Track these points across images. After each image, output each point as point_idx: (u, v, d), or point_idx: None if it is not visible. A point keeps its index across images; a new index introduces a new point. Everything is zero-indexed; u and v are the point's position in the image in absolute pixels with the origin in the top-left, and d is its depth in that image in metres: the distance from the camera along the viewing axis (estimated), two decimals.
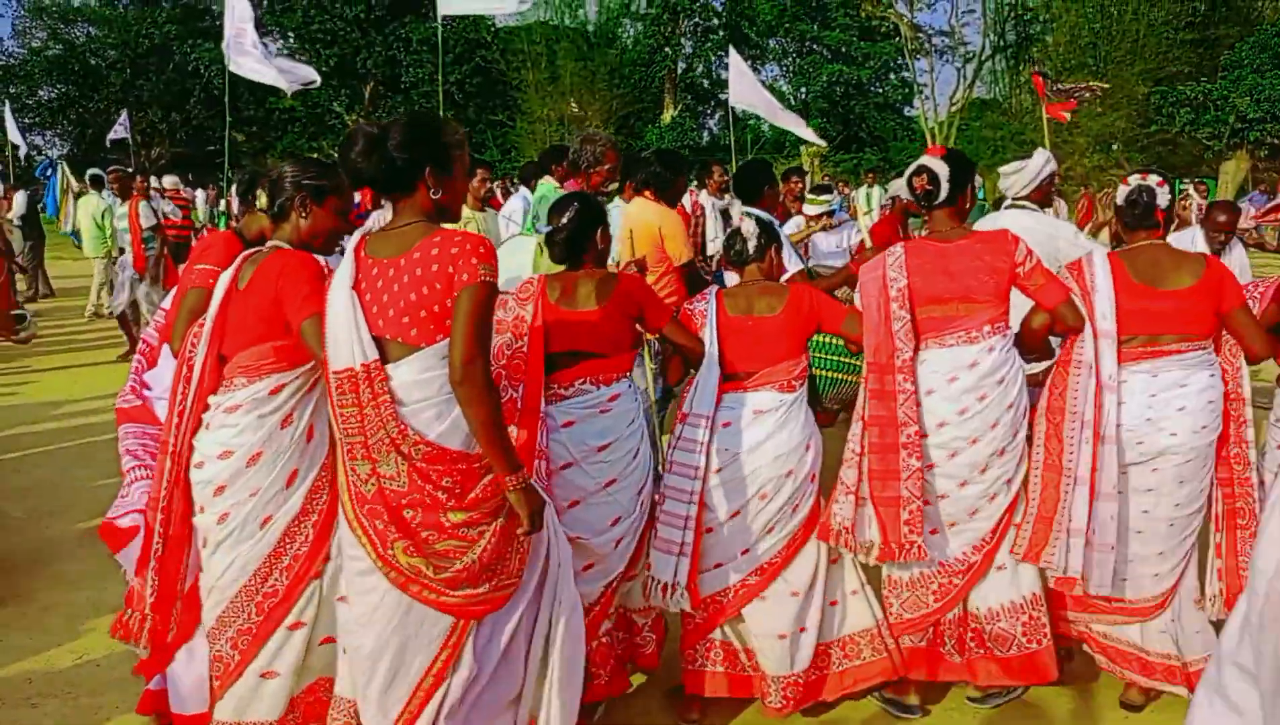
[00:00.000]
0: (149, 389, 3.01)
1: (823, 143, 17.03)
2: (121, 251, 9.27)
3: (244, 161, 30.33)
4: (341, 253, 2.42)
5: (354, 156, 2.24)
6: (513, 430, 2.72)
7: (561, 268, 3.06)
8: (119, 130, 18.22)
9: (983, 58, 28.35)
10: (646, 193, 4.42)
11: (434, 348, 2.19)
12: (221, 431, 2.46)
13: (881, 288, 3.01)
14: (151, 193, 10.92)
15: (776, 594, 3.00)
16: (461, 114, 31.51)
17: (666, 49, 32.75)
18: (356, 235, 2.35)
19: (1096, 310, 2.96)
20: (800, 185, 8.05)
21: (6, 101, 23.33)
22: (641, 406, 3.05)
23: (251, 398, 2.45)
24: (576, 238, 2.99)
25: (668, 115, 33.04)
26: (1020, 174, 4.20)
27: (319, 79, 11.25)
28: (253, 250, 2.65)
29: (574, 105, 28.46)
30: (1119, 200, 3.12)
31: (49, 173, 13.28)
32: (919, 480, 2.94)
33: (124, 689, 3.27)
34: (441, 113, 15.74)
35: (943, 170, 3.02)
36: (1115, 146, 23.90)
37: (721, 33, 32.97)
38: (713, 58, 34.36)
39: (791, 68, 34.64)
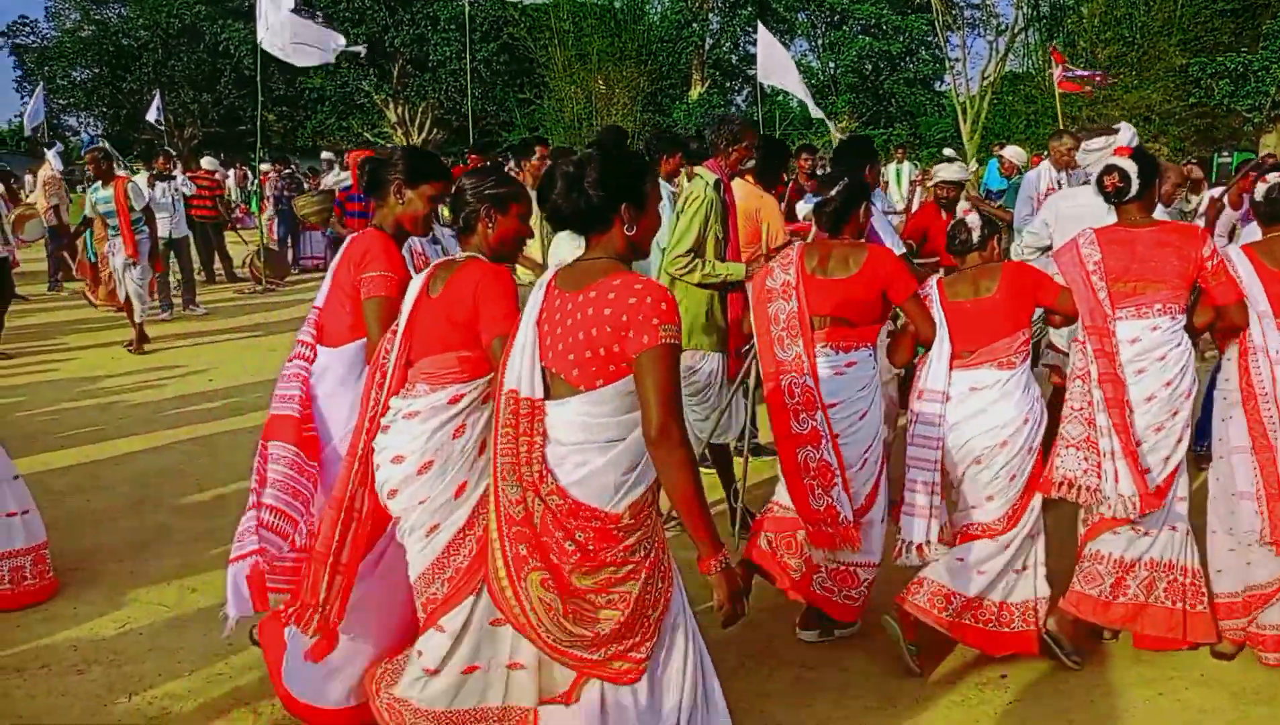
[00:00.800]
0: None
1: (832, 127, 16.60)
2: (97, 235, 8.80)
3: (274, 140, 30.51)
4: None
5: (554, 197, 2.22)
6: (793, 383, 3.21)
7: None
8: (154, 112, 18.39)
9: (1015, 31, 27.86)
10: (748, 177, 4.55)
11: (591, 394, 2.15)
12: (397, 436, 2.48)
13: (1079, 262, 3.28)
14: (177, 174, 10.94)
15: (984, 541, 3.24)
16: (489, 92, 31.51)
17: (694, 25, 32.47)
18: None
19: (1249, 295, 3.20)
20: (810, 162, 7.98)
21: (40, 83, 23.66)
22: (877, 375, 3.37)
23: (430, 406, 2.46)
24: (842, 210, 3.38)
25: (695, 92, 32.81)
26: (1108, 150, 4.17)
27: (344, 43, 11.23)
28: (446, 259, 2.68)
29: (601, 83, 28.32)
30: (1258, 196, 3.36)
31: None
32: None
33: (166, 656, 3.36)
34: (469, 91, 15.77)
35: (1132, 168, 3.28)
36: (1153, 120, 23.42)
37: (749, 8, 32.64)
38: (740, 33, 34.02)
39: (821, 42, 34.25)
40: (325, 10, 31.47)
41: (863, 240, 3.49)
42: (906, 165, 16.23)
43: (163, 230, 9.97)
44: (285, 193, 13.83)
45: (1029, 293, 3.28)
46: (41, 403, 6.78)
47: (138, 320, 8.57)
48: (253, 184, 16.35)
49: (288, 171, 15.12)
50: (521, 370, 2.21)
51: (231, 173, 19.25)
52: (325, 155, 17.37)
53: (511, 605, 2.22)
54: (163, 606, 3.74)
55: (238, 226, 14.95)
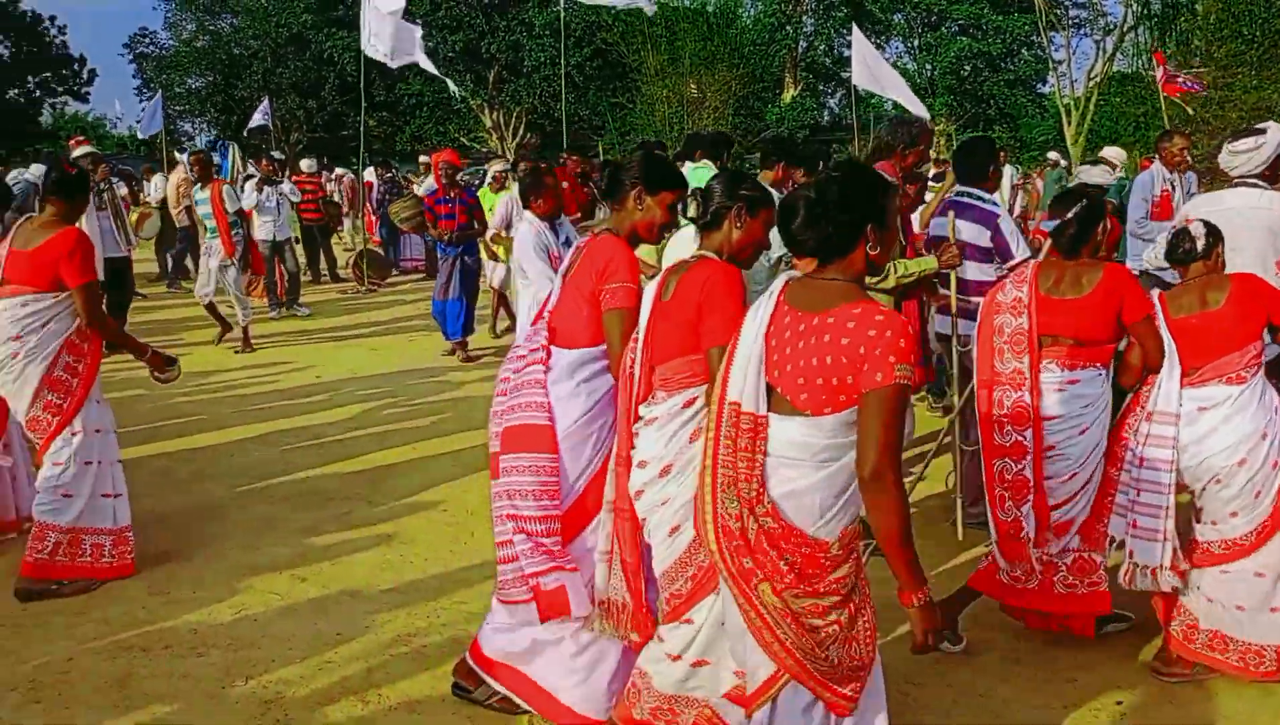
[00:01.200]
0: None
1: (926, 115, 15.75)
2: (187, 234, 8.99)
3: (375, 145, 31.36)
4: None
5: (796, 228, 2.14)
6: (1005, 396, 3.26)
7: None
8: (259, 117, 19.10)
9: (1124, 29, 26.82)
10: None
11: (816, 420, 2.10)
12: (642, 442, 2.56)
13: None
14: (280, 177, 11.29)
15: (1240, 570, 3.13)
16: (582, 96, 31.82)
17: (787, 28, 32.23)
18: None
19: None
20: None
21: (159, 91, 24.89)
22: (1105, 394, 3.30)
23: (668, 411, 2.51)
24: (1080, 234, 3.30)
25: (788, 95, 32.56)
26: (1257, 151, 4.01)
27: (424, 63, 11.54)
28: (677, 262, 2.68)
29: (693, 86, 28.33)
30: None
31: (221, 153, 13.81)
32: None
33: (279, 643, 3.48)
34: (563, 95, 15.96)
35: None
36: (1275, 120, 22.23)
37: (844, 9, 32.23)
38: (835, 35, 33.62)
39: (917, 43, 33.61)
40: (424, 17, 32.33)
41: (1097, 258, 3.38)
42: (1008, 168, 15.81)
43: (266, 233, 10.36)
44: (386, 196, 14.22)
45: (1261, 305, 3.11)
46: (161, 395, 7.11)
47: (242, 323, 8.81)
48: (348, 186, 16.87)
49: (389, 176, 15.54)
50: (746, 384, 2.16)
51: (334, 175, 19.85)
52: (423, 159, 17.80)
53: (748, 612, 2.18)
54: (274, 594, 3.88)
55: (340, 229, 15.43)
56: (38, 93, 38.25)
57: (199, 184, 8.88)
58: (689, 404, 2.49)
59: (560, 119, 15.87)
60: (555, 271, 4.90)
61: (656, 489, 2.49)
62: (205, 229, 8.81)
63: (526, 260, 4.96)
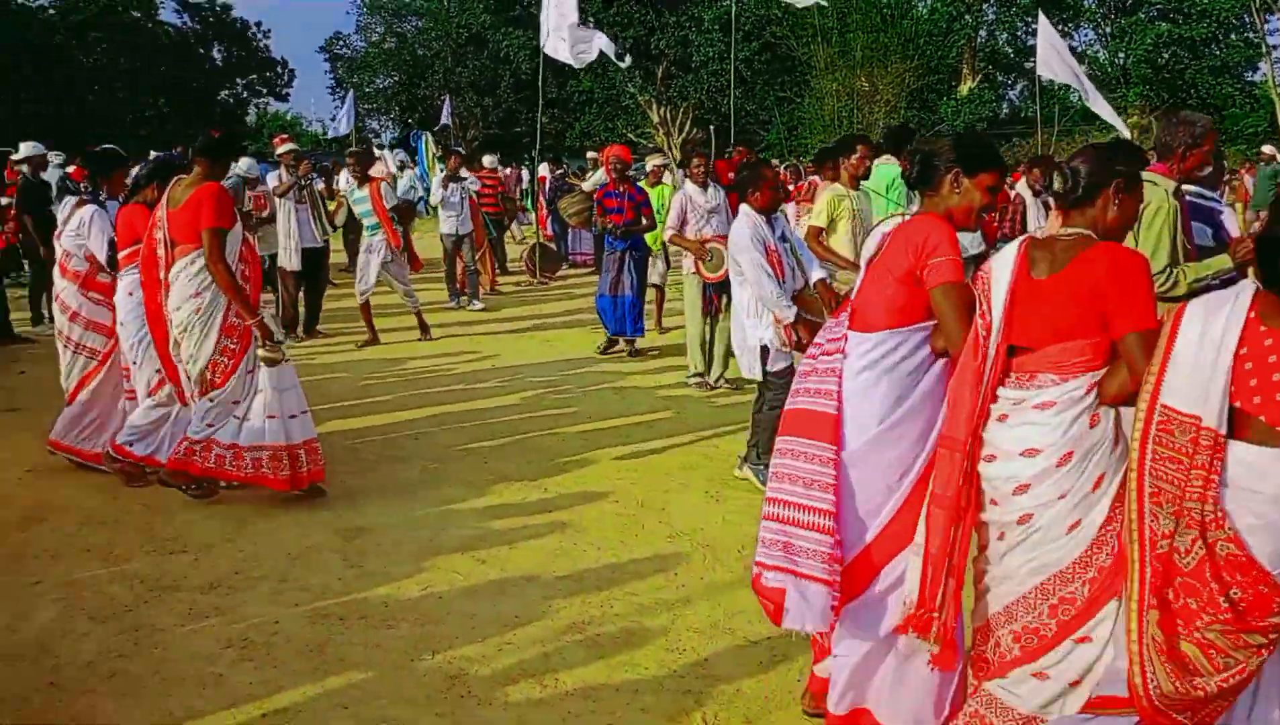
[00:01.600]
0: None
1: (1120, 124, 14.58)
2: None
3: (546, 141, 32.32)
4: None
5: None
6: None
7: None
8: (444, 115, 20.02)
9: None
10: None
11: None
12: (1025, 428, 2.36)
13: None
14: (465, 172, 11.73)
15: None
16: (749, 91, 31.66)
17: (966, 17, 30.95)
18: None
19: None
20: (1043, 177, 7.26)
21: (350, 91, 26.51)
22: None
23: (1066, 396, 2.32)
24: None
25: (965, 87, 31.28)
26: None
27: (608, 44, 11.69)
28: (1036, 238, 2.53)
29: (864, 81, 27.64)
30: None
31: (415, 142, 14.49)
32: None
33: (462, 621, 3.63)
34: (731, 90, 15.88)
35: None
36: None
37: None
38: (1018, 24, 32.03)
39: (1110, 30, 31.56)
40: (595, 15, 33.00)
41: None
42: None
43: (450, 227, 10.85)
44: (556, 192, 14.62)
45: None
46: (353, 378, 7.58)
47: (413, 310, 9.11)
48: (524, 183, 17.41)
49: (560, 171, 15.95)
50: (1207, 397, 2.01)
51: (509, 171, 20.58)
52: (591, 155, 18.21)
53: (1130, 633, 2.12)
54: (457, 574, 4.05)
55: (513, 223, 15.98)
56: (245, 94, 41.62)
57: (357, 184, 8.96)
58: (1090, 389, 2.30)
59: (727, 114, 15.84)
60: (770, 265, 4.87)
61: (1053, 480, 2.29)
62: (365, 228, 8.96)
63: (742, 252, 4.92)
